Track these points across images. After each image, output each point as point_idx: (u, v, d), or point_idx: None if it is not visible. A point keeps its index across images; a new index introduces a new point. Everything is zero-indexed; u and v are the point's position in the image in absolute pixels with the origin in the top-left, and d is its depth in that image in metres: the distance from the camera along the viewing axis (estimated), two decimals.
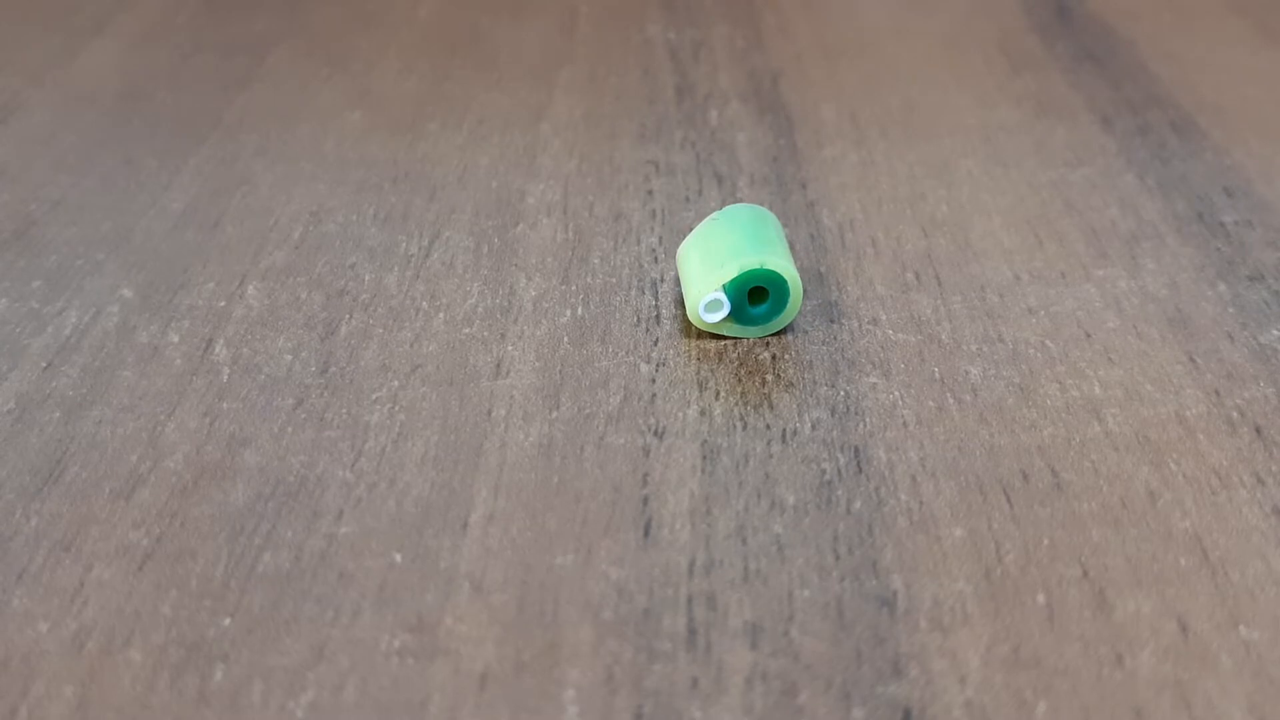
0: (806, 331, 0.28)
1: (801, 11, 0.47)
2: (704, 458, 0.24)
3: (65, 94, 0.41)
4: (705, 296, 0.27)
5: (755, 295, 0.27)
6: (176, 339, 0.28)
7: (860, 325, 0.28)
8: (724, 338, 0.28)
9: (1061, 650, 0.20)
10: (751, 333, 0.27)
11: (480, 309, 0.29)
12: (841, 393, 0.26)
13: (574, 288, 0.30)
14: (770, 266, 0.27)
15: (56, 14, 0.47)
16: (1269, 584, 0.21)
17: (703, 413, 0.25)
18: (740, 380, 0.26)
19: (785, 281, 0.27)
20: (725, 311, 0.27)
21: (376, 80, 0.41)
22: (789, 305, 0.27)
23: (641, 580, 0.21)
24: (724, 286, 0.27)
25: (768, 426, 0.25)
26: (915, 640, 0.20)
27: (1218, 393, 0.26)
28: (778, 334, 0.28)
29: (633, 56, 0.43)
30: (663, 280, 0.30)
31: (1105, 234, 0.32)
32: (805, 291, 0.29)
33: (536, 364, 0.27)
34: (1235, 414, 0.25)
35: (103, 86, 0.41)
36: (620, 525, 0.23)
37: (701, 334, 0.28)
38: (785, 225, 0.29)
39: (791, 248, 0.28)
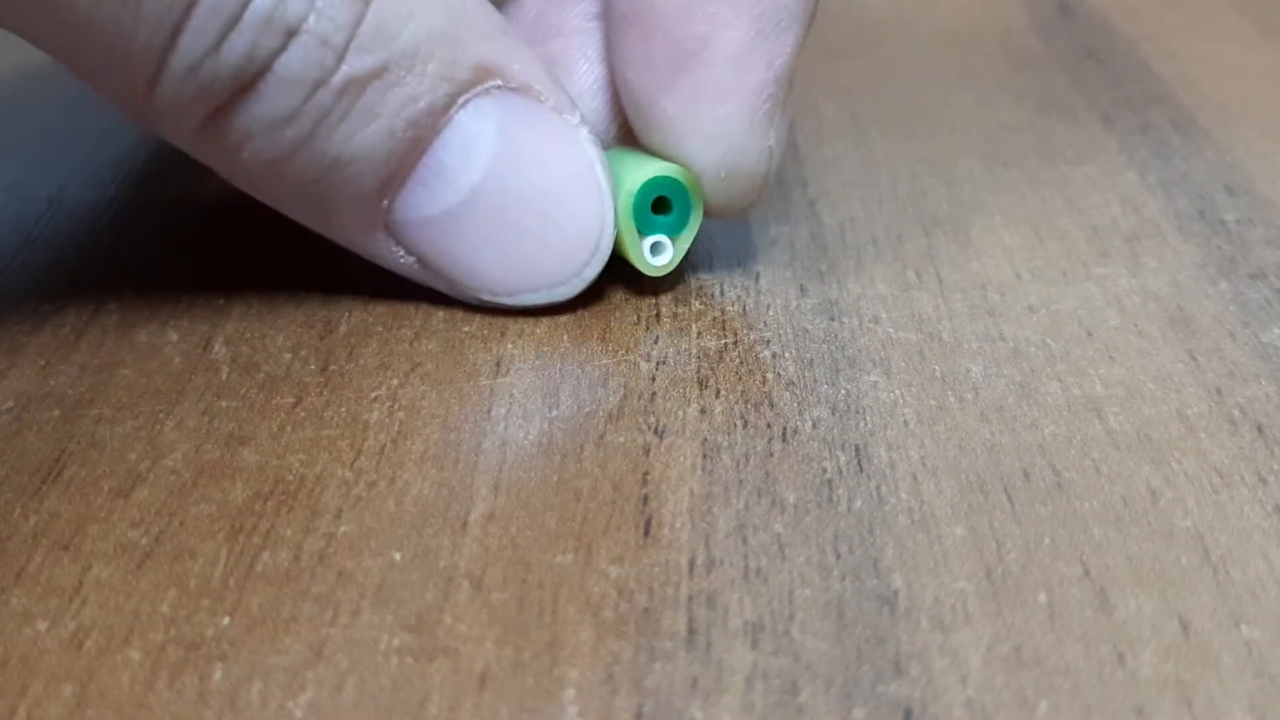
0: (807, 330, 0.28)
1: None
2: (704, 456, 0.24)
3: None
4: (644, 243, 0.27)
5: (660, 209, 0.27)
6: (175, 337, 0.28)
7: (861, 323, 0.28)
8: (723, 336, 0.27)
9: (1063, 649, 0.20)
10: (679, 251, 0.27)
11: (480, 307, 0.29)
12: (842, 391, 0.26)
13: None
14: (660, 173, 0.27)
15: None
16: (1270, 583, 0.21)
17: (703, 411, 0.25)
18: (740, 379, 0.26)
19: (680, 182, 0.27)
20: (670, 252, 0.27)
21: None
22: (693, 205, 0.27)
23: (641, 579, 0.21)
24: (634, 218, 0.27)
25: (768, 425, 0.25)
26: (916, 639, 0.20)
27: (1219, 391, 0.26)
28: (778, 333, 0.27)
29: None
30: (663, 278, 0.30)
31: (1106, 232, 0.32)
32: (806, 290, 0.28)
33: (536, 362, 0.27)
34: (1237, 412, 0.25)
35: None
36: (620, 524, 0.23)
37: (702, 332, 0.28)
38: (785, 224, 0.29)
39: (791, 246, 0.28)
